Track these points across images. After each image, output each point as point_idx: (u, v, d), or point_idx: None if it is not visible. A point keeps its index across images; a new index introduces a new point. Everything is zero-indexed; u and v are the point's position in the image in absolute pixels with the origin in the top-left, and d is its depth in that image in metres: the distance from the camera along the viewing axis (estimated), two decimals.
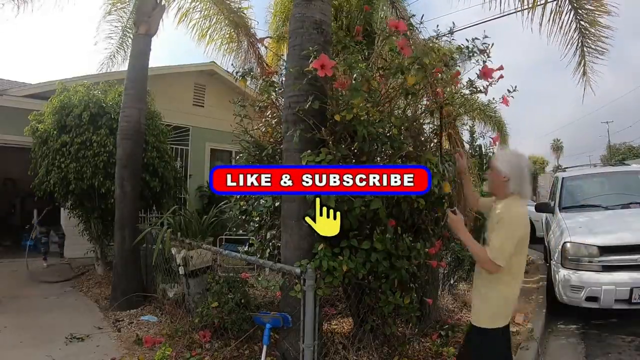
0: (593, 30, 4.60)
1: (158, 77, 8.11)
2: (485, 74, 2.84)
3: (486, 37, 2.96)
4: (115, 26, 7.06)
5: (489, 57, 2.94)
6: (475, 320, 2.21)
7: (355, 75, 2.84)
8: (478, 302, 2.24)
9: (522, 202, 2.18)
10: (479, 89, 3.05)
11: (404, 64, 2.83)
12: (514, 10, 4.61)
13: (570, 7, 4.52)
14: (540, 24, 4.53)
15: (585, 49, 4.74)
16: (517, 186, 2.14)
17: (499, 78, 2.90)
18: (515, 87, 2.94)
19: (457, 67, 3.40)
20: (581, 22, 4.58)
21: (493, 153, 7.51)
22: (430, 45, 3.35)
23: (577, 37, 4.69)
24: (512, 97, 2.96)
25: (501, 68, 2.84)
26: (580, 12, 4.53)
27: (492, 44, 2.94)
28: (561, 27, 4.62)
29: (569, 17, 4.58)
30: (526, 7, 4.45)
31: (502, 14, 4.75)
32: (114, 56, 7.41)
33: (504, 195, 2.19)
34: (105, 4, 6.77)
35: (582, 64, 4.86)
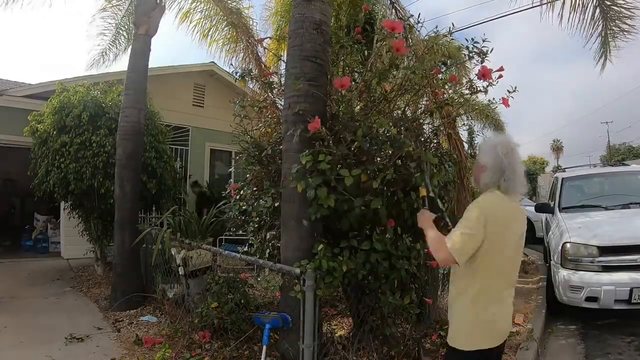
0: (616, 9, 4.49)
1: (158, 77, 8.11)
2: (484, 75, 2.85)
3: (485, 40, 2.97)
4: (109, 23, 7.04)
5: (486, 56, 2.95)
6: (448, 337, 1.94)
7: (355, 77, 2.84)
8: (450, 318, 1.96)
9: (501, 197, 1.80)
10: (478, 89, 3.05)
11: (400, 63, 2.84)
12: (531, 6, 4.56)
13: None
14: (561, 13, 4.48)
15: (608, 31, 4.64)
16: (494, 178, 1.81)
17: (498, 78, 2.91)
18: (515, 87, 2.94)
19: (457, 68, 3.41)
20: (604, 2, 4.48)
21: None
22: (429, 46, 3.35)
23: (600, 20, 4.59)
24: (512, 97, 2.96)
25: (501, 69, 2.85)
26: None
27: (492, 49, 2.94)
28: (584, 13, 4.53)
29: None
30: (545, 1, 4.42)
31: (515, 10, 4.71)
32: (106, 53, 7.39)
33: (480, 188, 1.90)
34: None
35: (605, 48, 4.76)
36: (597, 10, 4.51)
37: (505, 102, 2.89)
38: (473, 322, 1.81)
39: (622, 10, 4.46)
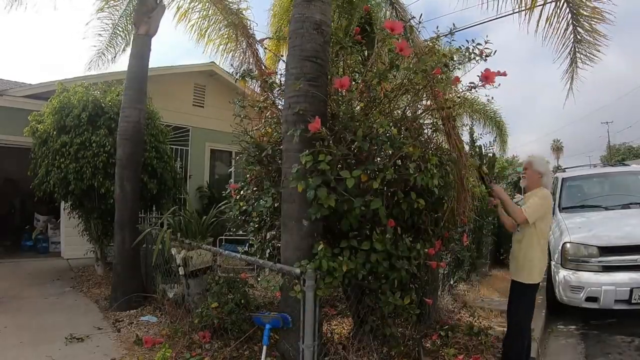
0: (588, 38, 4.56)
1: (158, 77, 8.11)
2: (487, 78, 2.85)
3: (487, 42, 2.97)
4: (106, 23, 7.02)
5: (486, 58, 2.96)
6: (518, 278, 3.11)
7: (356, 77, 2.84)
8: (518, 265, 3.12)
9: (547, 190, 3.17)
10: (477, 86, 3.05)
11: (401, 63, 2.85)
12: (511, 12, 4.60)
13: (568, 10, 4.48)
14: (537, 26, 4.53)
15: (578, 54, 4.71)
16: (547, 180, 3.19)
17: (502, 74, 2.91)
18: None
19: (458, 69, 3.41)
20: (577, 28, 4.55)
21: (493, 154, 7.55)
22: (430, 46, 3.35)
23: (571, 42, 4.66)
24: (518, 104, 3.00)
25: (504, 74, 2.86)
26: (578, 18, 4.49)
27: (495, 51, 2.94)
28: (557, 30, 4.60)
29: (567, 20, 4.55)
30: (524, 8, 4.44)
31: (497, 16, 4.76)
32: (104, 54, 7.36)
33: (536, 187, 3.17)
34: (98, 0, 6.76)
35: (571, 70, 4.83)
36: (570, 29, 4.59)
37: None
38: (540, 263, 3.07)
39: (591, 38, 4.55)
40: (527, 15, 4.47)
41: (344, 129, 2.80)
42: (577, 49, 4.68)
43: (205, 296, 3.84)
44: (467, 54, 3.00)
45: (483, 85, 2.94)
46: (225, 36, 6.64)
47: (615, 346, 3.75)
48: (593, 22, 4.45)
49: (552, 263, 4.62)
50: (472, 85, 3.04)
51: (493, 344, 3.60)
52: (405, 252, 2.86)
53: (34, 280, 5.98)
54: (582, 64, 4.73)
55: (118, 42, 7.22)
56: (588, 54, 4.65)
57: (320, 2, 3.09)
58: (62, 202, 6.83)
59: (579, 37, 4.59)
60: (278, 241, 3.51)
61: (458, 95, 3.25)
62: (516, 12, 4.50)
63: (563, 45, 4.70)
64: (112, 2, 6.76)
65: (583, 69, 4.76)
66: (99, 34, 7.09)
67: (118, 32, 7.08)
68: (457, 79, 3.15)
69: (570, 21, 4.54)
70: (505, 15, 4.71)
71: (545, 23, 4.56)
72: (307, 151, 2.67)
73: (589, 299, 3.97)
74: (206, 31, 6.69)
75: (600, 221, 4.72)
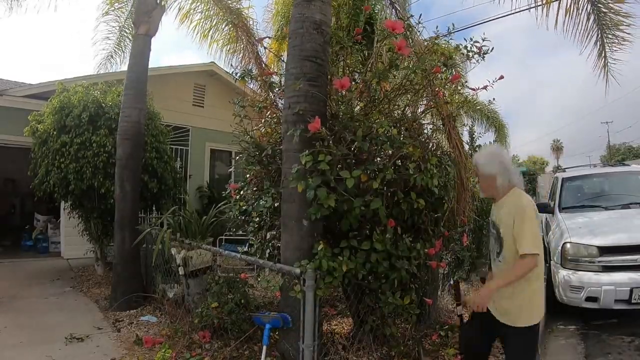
0: (612, 17, 4.28)
1: (158, 77, 8.11)
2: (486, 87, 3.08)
3: (485, 39, 3.00)
4: (113, 26, 7.01)
5: (483, 57, 2.99)
6: (514, 322, 2.11)
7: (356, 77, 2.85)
8: (514, 305, 2.13)
9: (522, 192, 2.16)
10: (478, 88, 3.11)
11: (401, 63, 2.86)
12: (527, 7, 4.51)
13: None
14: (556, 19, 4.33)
15: (605, 39, 4.44)
16: (505, 179, 2.14)
17: (499, 78, 2.96)
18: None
19: (458, 67, 3.44)
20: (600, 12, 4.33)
21: None
22: (430, 45, 3.35)
23: (595, 28, 4.39)
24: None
25: (501, 78, 3.06)
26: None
27: (492, 48, 2.98)
28: (579, 20, 4.34)
29: (587, 8, 4.32)
30: (540, 3, 4.36)
31: (512, 11, 4.69)
32: (112, 57, 7.34)
33: (499, 193, 2.19)
34: (102, 3, 6.75)
35: (602, 55, 4.54)
36: (592, 18, 4.40)
37: None
38: (540, 294, 2.17)
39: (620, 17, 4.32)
40: (545, 10, 4.35)
41: (344, 129, 2.80)
42: (603, 35, 4.41)
43: (205, 296, 3.84)
44: (465, 51, 3.02)
45: (484, 88, 3.00)
46: (227, 36, 6.63)
47: (615, 346, 3.74)
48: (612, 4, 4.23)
49: (552, 263, 4.62)
50: (472, 89, 3.09)
51: None
52: (405, 252, 2.87)
53: (34, 280, 5.98)
54: (611, 51, 4.45)
55: (126, 44, 7.20)
56: (617, 38, 4.36)
57: (320, 2, 3.09)
58: (62, 202, 6.83)
59: (602, 21, 4.33)
60: (278, 241, 3.50)
61: (459, 92, 3.27)
62: (532, 7, 4.39)
63: (588, 35, 4.43)
64: (117, 4, 6.76)
65: (614, 56, 4.46)
66: (107, 37, 7.09)
67: (125, 34, 7.07)
68: (457, 76, 3.18)
69: (591, 9, 4.32)
70: (520, 10, 4.62)
71: (565, 15, 4.34)
72: (307, 151, 2.67)
73: (589, 299, 3.97)
74: (209, 31, 6.67)
75: (600, 221, 4.72)
